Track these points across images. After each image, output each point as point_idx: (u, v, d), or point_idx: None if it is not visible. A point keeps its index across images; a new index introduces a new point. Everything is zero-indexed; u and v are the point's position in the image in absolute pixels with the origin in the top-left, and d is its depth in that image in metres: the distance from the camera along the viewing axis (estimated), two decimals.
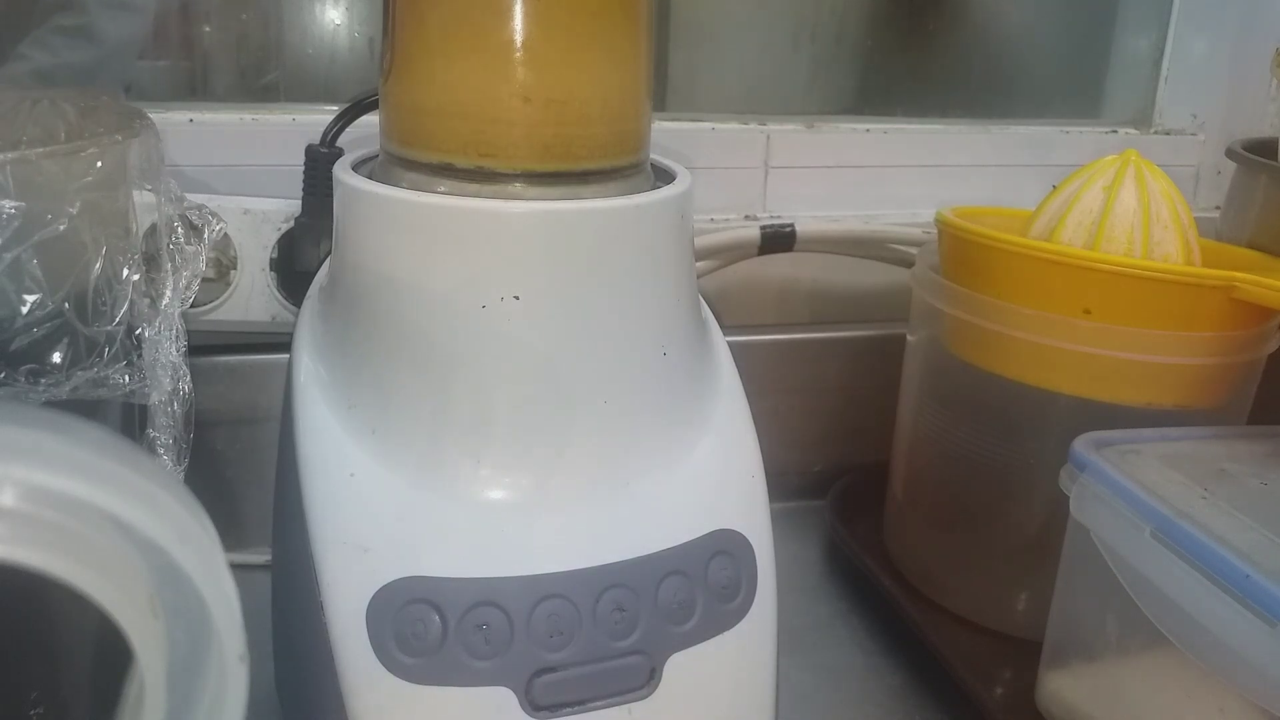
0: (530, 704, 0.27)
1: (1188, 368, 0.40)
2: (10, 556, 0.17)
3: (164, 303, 0.35)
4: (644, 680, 0.29)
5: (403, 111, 0.30)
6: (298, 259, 0.43)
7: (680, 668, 0.29)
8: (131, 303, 0.33)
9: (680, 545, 0.30)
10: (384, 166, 0.31)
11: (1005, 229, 0.42)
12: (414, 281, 0.28)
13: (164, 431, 0.35)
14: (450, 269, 0.28)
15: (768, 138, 0.61)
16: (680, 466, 0.31)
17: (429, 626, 0.27)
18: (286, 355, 0.32)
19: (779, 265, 0.60)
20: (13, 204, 0.28)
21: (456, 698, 0.27)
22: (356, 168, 0.31)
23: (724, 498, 0.31)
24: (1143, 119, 0.72)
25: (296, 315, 0.34)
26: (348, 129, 0.42)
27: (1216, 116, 0.70)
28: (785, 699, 0.33)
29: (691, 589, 0.29)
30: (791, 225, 0.58)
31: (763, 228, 0.58)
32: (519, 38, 0.27)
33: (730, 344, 0.35)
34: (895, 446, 0.51)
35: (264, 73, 0.56)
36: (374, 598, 0.27)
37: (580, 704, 0.28)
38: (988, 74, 0.70)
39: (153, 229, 0.36)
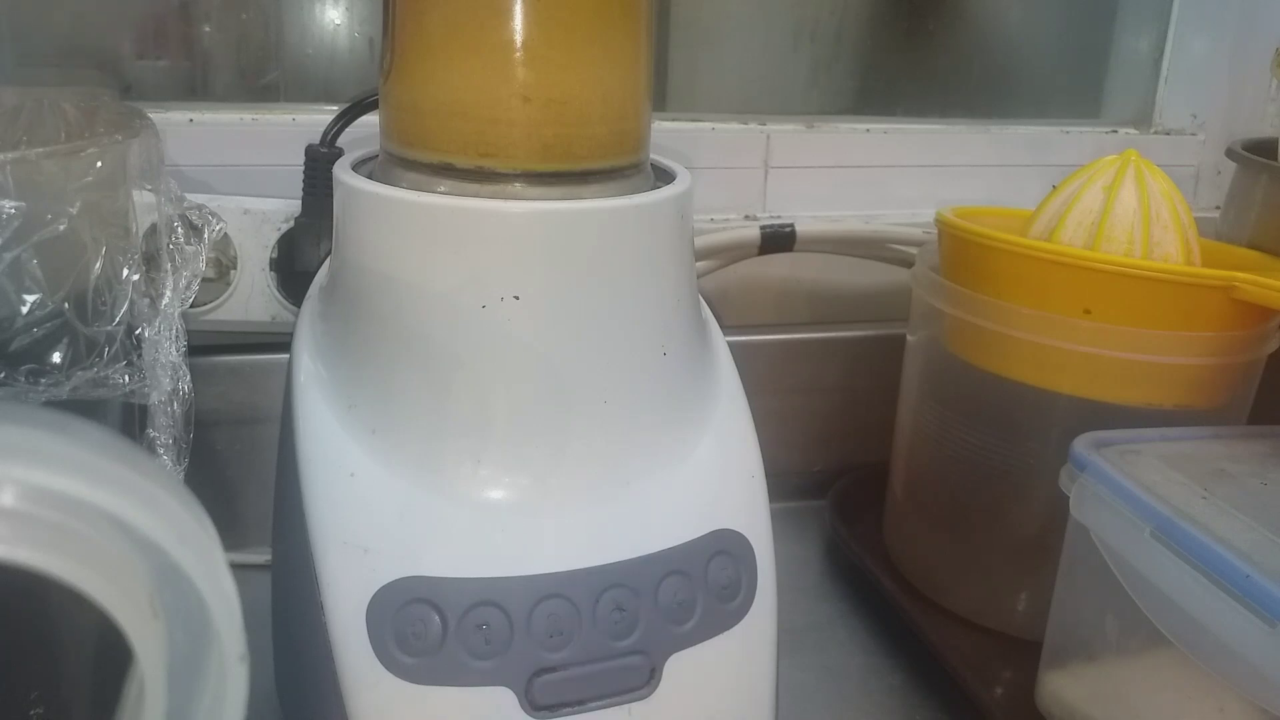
0: (530, 704, 0.27)
1: (1188, 368, 0.40)
2: (10, 556, 0.17)
3: (164, 303, 0.36)
4: (644, 680, 0.29)
5: (403, 111, 0.30)
6: (298, 259, 0.43)
7: (680, 668, 0.29)
8: (131, 303, 0.33)
9: (680, 545, 0.30)
10: (384, 166, 0.31)
11: (1005, 229, 0.42)
12: (414, 281, 0.28)
13: (164, 431, 0.35)
14: (450, 269, 0.28)
15: (768, 138, 0.61)
16: (680, 466, 0.31)
17: (429, 626, 0.27)
18: (286, 355, 0.32)
19: (779, 265, 0.60)
20: (13, 204, 0.28)
21: (456, 698, 0.27)
22: (356, 168, 0.31)
23: (724, 498, 0.31)
24: (1143, 119, 0.72)
25: (296, 315, 0.34)
26: (348, 129, 0.42)
27: (1216, 116, 0.70)
28: (785, 699, 0.33)
29: (691, 589, 0.29)
30: (791, 225, 0.58)
31: (763, 228, 0.58)
32: (519, 38, 0.27)
33: (730, 344, 0.35)
34: (895, 446, 0.51)
35: (264, 73, 0.56)
36: (374, 598, 0.27)
37: (580, 704, 0.28)
38: (988, 74, 0.70)
39: (153, 229, 0.36)
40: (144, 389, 0.34)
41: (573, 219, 0.28)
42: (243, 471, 0.50)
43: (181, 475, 0.36)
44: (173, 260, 0.36)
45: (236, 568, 0.19)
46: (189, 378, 0.36)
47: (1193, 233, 0.43)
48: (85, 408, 0.32)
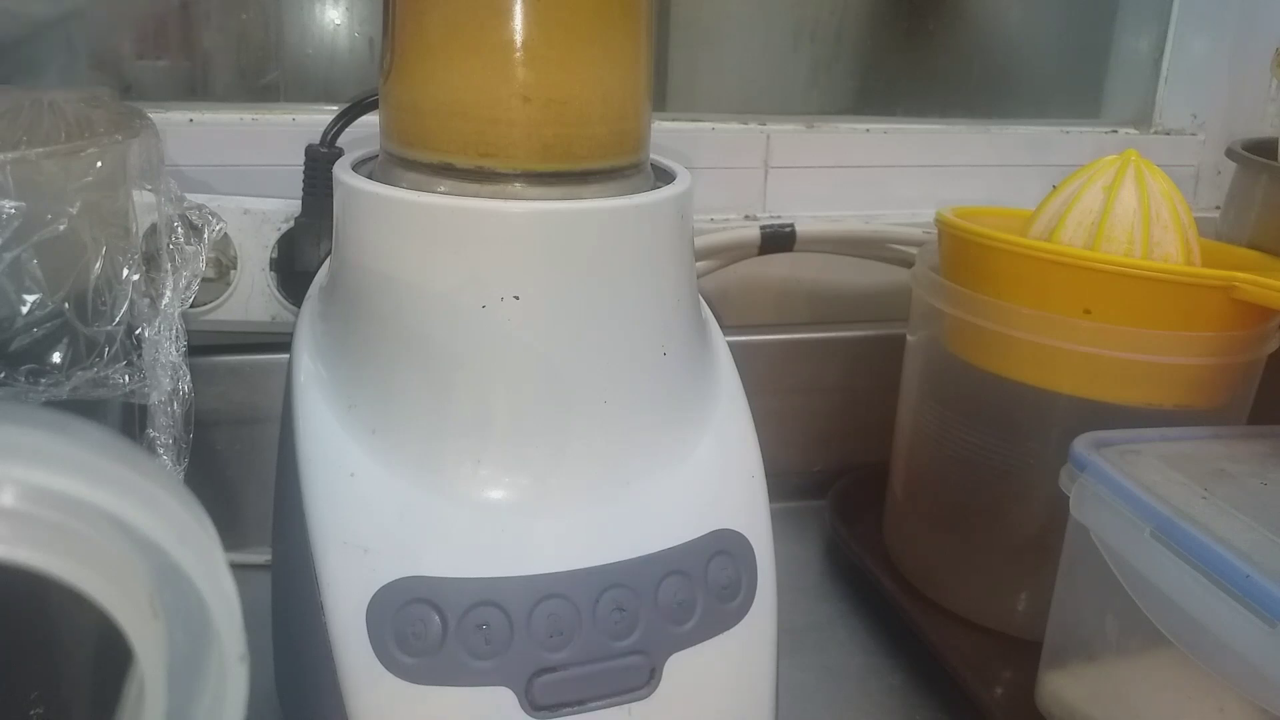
0: (530, 704, 0.27)
1: (1188, 368, 0.40)
2: (10, 556, 0.17)
3: (164, 303, 0.36)
4: (644, 680, 0.29)
5: (403, 111, 0.30)
6: (298, 259, 0.43)
7: (680, 668, 0.29)
8: (131, 303, 0.33)
9: (680, 545, 0.30)
10: (384, 166, 0.31)
11: (1005, 229, 0.42)
12: (414, 281, 0.28)
13: (164, 431, 0.35)
14: (450, 269, 0.28)
15: (768, 138, 0.61)
16: (680, 466, 0.31)
17: (429, 626, 0.27)
18: (286, 355, 0.32)
19: (779, 265, 0.60)
20: (13, 204, 0.28)
21: (456, 698, 0.27)
22: (356, 168, 0.31)
23: (724, 498, 0.31)
24: (1143, 119, 0.72)
25: (296, 315, 0.34)
26: (348, 129, 0.42)
27: (1216, 116, 0.70)
28: (785, 699, 0.33)
29: (691, 589, 0.29)
30: (791, 225, 0.58)
31: (763, 228, 0.58)
32: (519, 37, 0.27)
33: (730, 344, 0.35)
34: (895, 446, 0.51)
35: (264, 73, 0.56)
36: (374, 598, 0.27)
37: (580, 704, 0.28)
38: (988, 74, 0.70)
39: (153, 229, 0.36)
40: (144, 389, 0.34)
41: (573, 219, 0.28)
42: (243, 471, 0.50)
43: (181, 475, 0.36)
44: (173, 260, 0.36)
45: (236, 568, 0.19)
46: (189, 378, 0.36)
47: (1193, 233, 0.43)
48: (85, 408, 0.32)
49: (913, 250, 0.58)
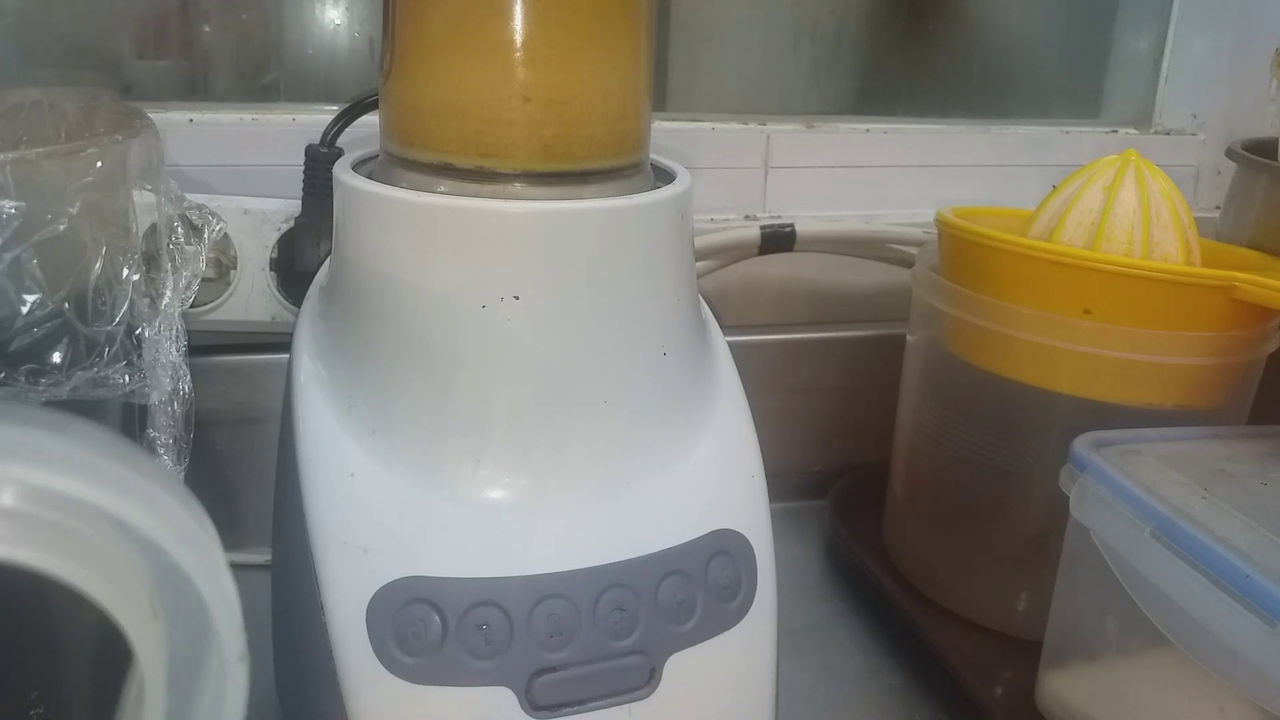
0: (530, 704, 0.27)
1: (1188, 368, 0.40)
2: (10, 556, 0.17)
3: (164, 303, 0.36)
4: (644, 680, 0.29)
5: (403, 111, 0.30)
6: (298, 259, 0.43)
7: (680, 668, 0.29)
8: (131, 303, 0.33)
9: (680, 545, 0.30)
10: (384, 166, 0.31)
11: (1005, 229, 0.42)
12: (414, 281, 0.28)
13: (164, 431, 0.35)
14: (450, 269, 0.28)
15: (768, 138, 0.61)
16: (680, 466, 0.31)
17: (429, 626, 0.27)
18: (286, 355, 0.32)
19: (779, 265, 0.60)
20: (13, 204, 0.28)
21: (456, 698, 0.27)
22: (356, 168, 0.31)
23: (724, 498, 0.31)
24: (1143, 119, 0.72)
25: (296, 315, 0.34)
26: (348, 129, 0.42)
27: (1216, 116, 0.70)
28: (785, 699, 0.33)
29: (691, 589, 0.29)
30: (791, 225, 0.58)
31: (763, 228, 0.58)
32: (519, 37, 0.27)
33: (730, 344, 0.35)
34: (895, 446, 0.51)
35: (264, 73, 0.56)
36: (374, 598, 0.27)
37: (580, 704, 0.28)
38: (988, 74, 0.70)
39: (153, 229, 0.36)
40: (144, 389, 0.34)
41: (572, 219, 0.28)
42: (243, 471, 0.50)
43: (181, 475, 0.36)
44: (173, 260, 0.37)
45: (236, 568, 0.19)
46: (189, 378, 0.36)
47: (1193, 233, 0.43)
48: (85, 408, 0.32)
49: (913, 250, 0.58)
